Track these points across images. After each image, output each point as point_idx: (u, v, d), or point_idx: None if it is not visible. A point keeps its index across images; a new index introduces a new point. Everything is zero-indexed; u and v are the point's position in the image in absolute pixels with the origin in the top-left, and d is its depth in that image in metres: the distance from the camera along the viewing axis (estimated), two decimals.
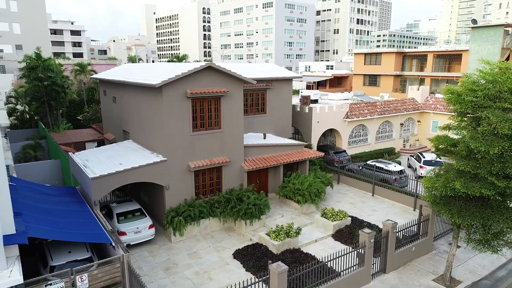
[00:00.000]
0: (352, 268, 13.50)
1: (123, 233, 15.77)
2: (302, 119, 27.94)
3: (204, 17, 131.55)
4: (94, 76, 27.18)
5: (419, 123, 34.82)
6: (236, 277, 14.06)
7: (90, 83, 42.66)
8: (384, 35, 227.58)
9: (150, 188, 18.32)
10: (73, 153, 19.50)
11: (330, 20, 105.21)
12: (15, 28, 57.88)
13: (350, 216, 18.93)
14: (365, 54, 51.41)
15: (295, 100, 32.15)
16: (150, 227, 16.54)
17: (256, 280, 11.68)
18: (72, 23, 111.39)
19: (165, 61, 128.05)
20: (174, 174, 17.08)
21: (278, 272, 11.08)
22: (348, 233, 17.45)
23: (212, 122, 17.93)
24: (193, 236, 17.35)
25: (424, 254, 16.03)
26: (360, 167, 25.38)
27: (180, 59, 55.52)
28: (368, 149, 31.20)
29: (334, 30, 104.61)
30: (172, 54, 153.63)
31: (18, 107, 33.87)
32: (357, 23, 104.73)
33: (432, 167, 14.34)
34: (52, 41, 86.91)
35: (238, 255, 15.75)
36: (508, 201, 12.26)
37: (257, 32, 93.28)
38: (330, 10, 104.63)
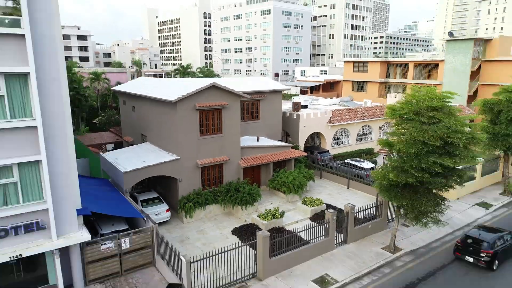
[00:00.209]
0: (319, 238, 18.20)
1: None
2: (291, 124, 32.61)
3: (205, 21, 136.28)
4: (116, 88, 31.80)
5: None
6: (229, 255, 18.73)
7: (103, 90, 47.41)
8: (381, 37, 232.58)
9: (165, 180, 22.97)
10: (101, 153, 24.22)
11: (325, 25, 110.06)
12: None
13: (326, 204, 23.65)
14: (354, 62, 56.14)
15: (288, 105, 36.81)
16: (167, 210, 21.21)
17: (246, 243, 16.39)
18: (78, 28, 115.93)
19: (169, 65, 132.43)
20: (185, 170, 21.77)
21: (263, 236, 15.79)
22: (322, 216, 22.10)
23: (215, 128, 22.62)
24: (200, 219, 22.03)
25: (379, 231, 20.72)
26: (339, 165, 30.09)
27: (185, 68, 60.13)
28: (349, 150, 35.85)
29: (330, 35, 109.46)
30: (174, 57, 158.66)
31: None
32: (352, 28, 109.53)
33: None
34: None
35: (235, 232, 20.43)
36: (431, 187, 16.91)
37: (255, 38, 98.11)
38: (326, 16, 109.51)
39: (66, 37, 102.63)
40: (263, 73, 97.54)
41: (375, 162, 32.08)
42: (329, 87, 66.89)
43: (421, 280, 16.55)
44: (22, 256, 12.96)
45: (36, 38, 12.56)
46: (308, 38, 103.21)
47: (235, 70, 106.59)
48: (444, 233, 20.75)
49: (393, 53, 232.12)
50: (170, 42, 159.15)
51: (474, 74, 45.84)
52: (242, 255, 16.10)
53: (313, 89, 65.49)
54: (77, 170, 14.33)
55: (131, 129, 29.18)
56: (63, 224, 13.79)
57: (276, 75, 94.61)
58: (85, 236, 14.13)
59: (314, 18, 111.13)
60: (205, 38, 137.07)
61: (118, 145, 32.50)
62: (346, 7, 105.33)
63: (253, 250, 16.61)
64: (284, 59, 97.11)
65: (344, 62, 57.91)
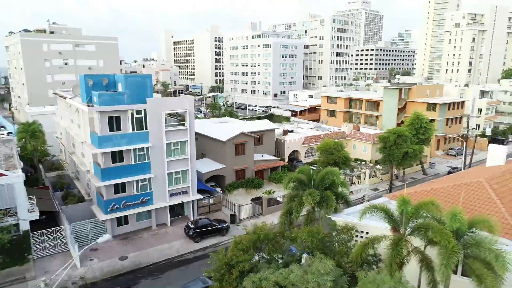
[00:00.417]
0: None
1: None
2: (280, 145, 57.24)
3: (215, 44, 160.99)
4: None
5: (346, 145, 64.03)
6: (251, 205, 43.50)
7: None
8: (371, 50, 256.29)
9: (219, 176, 47.63)
10: None
11: (315, 53, 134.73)
12: (100, 63, 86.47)
13: None
14: (327, 97, 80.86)
15: (282, 129, 61.23)
16: (221, 190, 45.94)
17: (257, 202, 41.21)
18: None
19: (183, 79, 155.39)
20: (228, 171, 46.51)
21: (264, 198, 40.67)
22: None
23: (241, 151, 47.36)
24: (235, 194, 46.70)
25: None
26: None
27: (214, 104, 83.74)
28: (315, 159, 60.35)
29: (319, 60, 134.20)
30: (188, 72, 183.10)
31: None
32: (337, 55, 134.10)
33: None
34: None
35: (252, 199, 45.17)
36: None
37: (258, 65, 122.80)
38: (316, 45, 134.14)
39: None
40: (265, 93, 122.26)
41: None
42: (313, 110, 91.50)
43: None
44: (180, 202, 37.81)
45: (190, 128, 37.37)
46: (301, 64, 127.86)
47: (242, 89, 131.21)
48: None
49: (382, 64, 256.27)
50: (184, 59, 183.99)
51: (402, 109, 70.46)
52: (255, 207, 40.84)
53: (301, 112, 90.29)
54: None
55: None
56: (193, 192, 38.61)
57: (275, 95, 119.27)
58: (198, 196, 38.99)
59: (307, 46, 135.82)
60: (216, 59, 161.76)
61: None
62: (332, 39, 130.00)
63: (260, 206, 41.29)
64: (281, 82, 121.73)
65: (321, 96, 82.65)
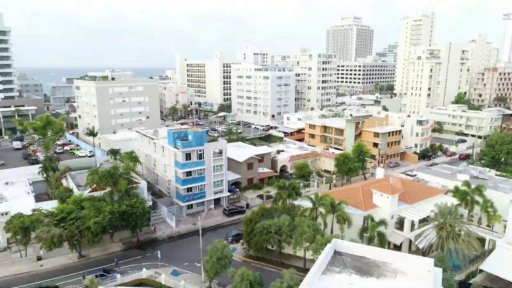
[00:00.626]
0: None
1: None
2: (275, 161, 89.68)
3: (224, 69, 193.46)
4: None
5: (319, 160, 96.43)
6: (256, 199, 76.04)
7: None
8: (359, 66, 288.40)
9: (237, 182, 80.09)
10: None
11: (305, 80, 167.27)
12: (146, 98, 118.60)
13: None
14: (309, 124, 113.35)
15: (276, 148, 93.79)
16: (239, 190, 78.43)
17: (260, 196, 73.89)
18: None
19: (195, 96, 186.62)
20: (243, 179, 79.07)
21: (264, 195, 73.34)
22: None
23: (251, 167, 79.95)
24: (247, 193, 79.15)
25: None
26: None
27: (230, 132, 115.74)
28: None
29: (308, 86, 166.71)
30: (199, 90, 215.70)
31: None
32: (322, 82, 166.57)
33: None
34: None
35: (257, 196, 77.69)
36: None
37: (260, 92, 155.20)
38: (305, 74, 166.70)
39: None
40: (265, 114, 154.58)
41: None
42: (300, 132, 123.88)
43: None
44: (219, 197, 70.36)
45: (224, 157, 69.96)
46: (294, 89, 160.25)
47: (246, 110, 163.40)
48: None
49: (369, 78, 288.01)
50: (197, 79, 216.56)
51: (359, 135, 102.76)
52: (259, 200, 73.30)
53: (292, 133, 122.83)
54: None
55: None
56: (225, 191, 71.09)
57: (273, 116, 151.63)
58: (228, 194, 71.55)
59: (298, 75, 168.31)
60: (224, 81, 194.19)
61: None
62: (318, 70, 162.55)
63: (262, 199, 73.73)
64: (278, 105, 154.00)
65: (305, 123, 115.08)
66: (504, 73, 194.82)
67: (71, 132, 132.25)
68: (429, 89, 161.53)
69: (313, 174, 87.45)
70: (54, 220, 48.04)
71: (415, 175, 74.61)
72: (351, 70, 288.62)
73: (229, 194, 72.55)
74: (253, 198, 74.49)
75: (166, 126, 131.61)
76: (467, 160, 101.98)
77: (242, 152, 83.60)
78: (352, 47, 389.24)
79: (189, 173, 66.15)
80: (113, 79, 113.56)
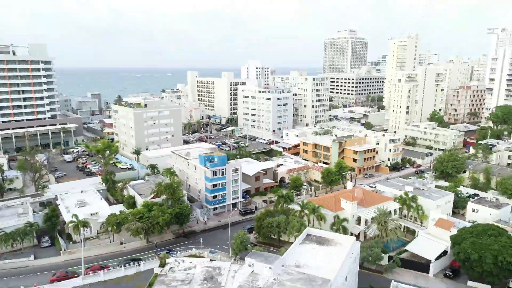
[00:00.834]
0: None
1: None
2: (275, 174, 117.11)
3: (231, 87, 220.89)
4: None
5: (309, 172, 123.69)
6: (262, 203, 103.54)
7: None
8: (352, 79, 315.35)
9: (248, 191, 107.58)
10: None
11: (301, 99, 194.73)
12: (171, 120, 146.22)
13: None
14: (303, 142, 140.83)
15: (276, 162, 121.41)
16: (249, 196, 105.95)
17: (264, 201, 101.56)
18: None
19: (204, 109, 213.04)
20: (252, 188, 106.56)
21: (268, 200, 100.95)
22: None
23: (258, 179, 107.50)
24: (255, 198, 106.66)
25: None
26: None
27: (241, 148, 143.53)
28: None
29: (304, 105, 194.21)
30: (208, 104, 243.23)
31: None
32: (316, 101, 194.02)
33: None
34: None
35: (263, 201, 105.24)
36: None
37: (263, 110, 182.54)
38: (302, 94, 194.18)
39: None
40: (267, 129, 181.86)
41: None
42: (297, 146, 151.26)
43: None
44: (235, 202, 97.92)
45: (239, 173, 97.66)
46: (291, 108, 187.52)
47: (251, 125, 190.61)
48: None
49: (361, 90, 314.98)
50: (206, 94, 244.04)
51: (342, 152, 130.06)
52: (263, 204, 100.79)
53: (289, 148, 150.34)
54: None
55: None
56: (239, 197, 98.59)
57: (274, 131, 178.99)
58: (242, 199, 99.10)
59: (295, 94, 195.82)
60: (231, 97, 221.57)
61: None
62: (313, 91, 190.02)
63: (266, 203, 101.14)
64: (278, 122, 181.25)
65: (300, 141, 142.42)
66: (476, 91, 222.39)
67: None
68: (408, 107, 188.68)
69: (305, 184, 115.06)
70: (135, 218, 75.51)
71: (375, 186, 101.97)
72: (345, 82, 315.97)
73: (242, 199, 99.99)
74: (259, 202, 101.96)
75: (184, 140, 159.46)
76: (417, 174, 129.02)
77: (251, 167, 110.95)
78: (348, 58, 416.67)
79: (215, 185, 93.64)
80: (145, 105, 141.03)
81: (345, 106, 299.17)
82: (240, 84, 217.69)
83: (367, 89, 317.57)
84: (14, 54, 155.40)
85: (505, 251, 59.87)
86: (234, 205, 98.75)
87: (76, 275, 66.47)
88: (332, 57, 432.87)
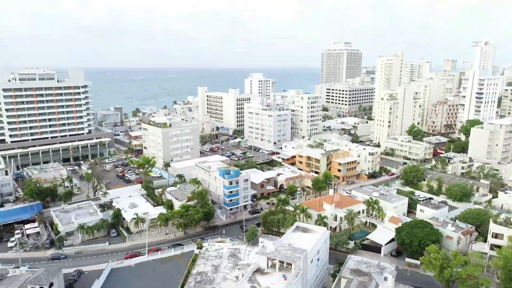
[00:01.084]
0: None
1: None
2: (276, 182, 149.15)
3: (237, 102, 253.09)
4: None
5: (303, 180, 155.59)
6: (266, 205, 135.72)
7: None
8: (346, 91, 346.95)
9: (255, 195, 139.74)
10: None
11: (298, 115, 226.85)
12: (191, 137, 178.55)
13: None
14: (298, 155, 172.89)
15: (276, 172, 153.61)
16: (256, 199, 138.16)
17: (267, 203, 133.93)
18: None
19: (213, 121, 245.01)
20: (258, 193, 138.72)
21: (270, 203, 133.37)
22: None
23: (263, 186, 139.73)
24: (260, 201, 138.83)
25: None
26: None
27: (249, 160, 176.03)
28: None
29: (300, 119, 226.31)
30: (216, 116, 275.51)
31: None
32: (311, 117, 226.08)
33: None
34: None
35: (267, 203, 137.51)
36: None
37: (265, 125, 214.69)
38: (298, 110, 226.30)
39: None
40: (269, 141, 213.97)
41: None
42: (294, 158, 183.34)
43: None
44: (246, 204, 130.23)
45: (249, 182, 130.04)
46: (289, 123, 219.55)
47: (255, 137, 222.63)
48: None
49: (354, 100, 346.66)
50: (215, 107, 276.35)
51: (329, 163, 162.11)
52: (267, 206, 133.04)
53: (288, 158, 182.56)
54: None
55: None
56: (249, 200, 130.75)
57: (275, 143, 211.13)
58: (250, 202, 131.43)
59: (293, 110, 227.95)
60: (237, 111, 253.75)
61: None
62: (308, 108, 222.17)
63: (269, 205, 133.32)
64: (278, 135, 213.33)
65: (295, 154, 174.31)
66: (452, 105, 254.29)
67: (135, 156, 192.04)
68: (389, 121, 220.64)
69: (299, 190, 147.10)
70: (178, 215, 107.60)
71: (351, 192, 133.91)
72: (339, 93, 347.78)
73: (251, 202, 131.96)
74: (264, 204, 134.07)
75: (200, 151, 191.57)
76: (386, 184, 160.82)
77: (257, 176, 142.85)
78: (343, 68, 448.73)
79: (231, 191, 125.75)
80: (170, 125, 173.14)
81: (339, 115, 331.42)
82: (245, 100, 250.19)
83: (360, 99, 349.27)
84: (58, 81, 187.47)
85: (426, 237, 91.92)
86: (245, 206, 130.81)
87: (141, 254, 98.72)
88: (329, 67, 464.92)
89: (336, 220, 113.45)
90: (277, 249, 74.45)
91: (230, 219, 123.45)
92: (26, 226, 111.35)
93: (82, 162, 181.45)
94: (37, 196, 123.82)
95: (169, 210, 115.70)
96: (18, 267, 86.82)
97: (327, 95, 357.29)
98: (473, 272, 72.08)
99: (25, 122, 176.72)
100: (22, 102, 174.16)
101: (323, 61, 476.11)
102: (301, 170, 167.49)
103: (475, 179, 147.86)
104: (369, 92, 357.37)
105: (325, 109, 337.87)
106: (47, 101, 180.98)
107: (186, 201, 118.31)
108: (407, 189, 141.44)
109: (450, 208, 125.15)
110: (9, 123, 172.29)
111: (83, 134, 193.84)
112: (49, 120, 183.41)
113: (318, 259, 79.92)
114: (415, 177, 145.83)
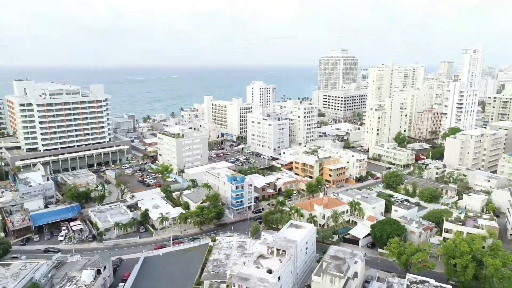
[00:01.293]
0: None
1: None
2: (275, 185, 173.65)
3: (241, 111, 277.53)
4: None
5: (298, 184, 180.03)
6: (266, 206, 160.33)
7: None
8: (341, 97, 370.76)
9: (257, 197, 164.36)
10: None
11: (295, 123, 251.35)
12: (200, 146, 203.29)
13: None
14: (294, 161, 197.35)
15: (275, 177, 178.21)
16: (258, 201, 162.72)
17: (267, 204, 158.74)
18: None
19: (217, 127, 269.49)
20: (259, 196, 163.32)
21: (270, 204, 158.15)
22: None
23: (264, 189, 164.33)
24: (261, 203, 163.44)
25: None
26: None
27: (252, 167, 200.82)
28: None
29: (297, 128, 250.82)
30: (221, 122, 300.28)
31: None
32: (307, 125, 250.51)
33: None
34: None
35: (267, 204, 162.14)
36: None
37: (266, 133, 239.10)
38: (295, 119, 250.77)
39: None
40: (269, 148, 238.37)
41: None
42: (291, 163, 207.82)
43: None
44: (249, 205, 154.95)
45: (252, 186, 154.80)
46: (288, 131, 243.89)
47: (257, 144, 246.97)
48: None
49: (349, 106, 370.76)
50: (220, 115, 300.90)
51: (322, 169, 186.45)
52: (267, 207, 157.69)
53: (286, 164, 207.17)
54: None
55: None
56: (252, 202, 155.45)
57: (274, 149, 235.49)
58: (253, 203, 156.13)
59: (291, 119, 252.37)
60: (240, 119, 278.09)
61: None
62: (304, 117, 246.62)
63: (269, 205, 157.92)
64: (277, 142, 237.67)
65: (292, 160, 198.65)
66: (436, 114, 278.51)
67: (151, 162, 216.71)
68: (378, 129, 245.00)
69: (295, 192, 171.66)
70: (195, 215, 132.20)
71: (338, 195, 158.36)
72: (335, 99, 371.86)
73: (254, 203, 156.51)
74: (265, 205, 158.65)
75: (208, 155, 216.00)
76: (369, 188, 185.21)
77: (258, 181, 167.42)
78: (340, 75, 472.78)
79: (237, 194, 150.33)
80: (183, 135, 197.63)
81: (334, 120, 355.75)
82: (248, 109, 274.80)
83: (354, 106, 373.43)
84: (82, 95, 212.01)
85: (393, 232, 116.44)
86: (249, 207, 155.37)
87: (166, 246, 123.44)
88: (327, 73, 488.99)
89: (324, 219, 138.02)
90: (275, 240, 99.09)
91: (237, 218, 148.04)
92: (71, 223, 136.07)
93: (104, 167, 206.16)
94: (76, 199, 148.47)
95: (187, 210, 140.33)
96: (73, 256, 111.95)
97: (323, 101, 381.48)
98: (421, 257, 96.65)
99: (55, 132, 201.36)
100: (53, 115, 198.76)
101: (320, 67, 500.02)
102: (297, 175, 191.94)
103: (446, 183, 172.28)
104: (363, 98, 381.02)
105: (321, 114, 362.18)
106: (74, 114, 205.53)
107: (201, 203, 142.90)
108: (388, 192, 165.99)
109: (422, 208, 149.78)
110: (42, 133, 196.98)
111: (104, 142, 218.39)
112: (76, 130, 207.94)
113: (306, 248, 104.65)
114: (394, 181, 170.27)
